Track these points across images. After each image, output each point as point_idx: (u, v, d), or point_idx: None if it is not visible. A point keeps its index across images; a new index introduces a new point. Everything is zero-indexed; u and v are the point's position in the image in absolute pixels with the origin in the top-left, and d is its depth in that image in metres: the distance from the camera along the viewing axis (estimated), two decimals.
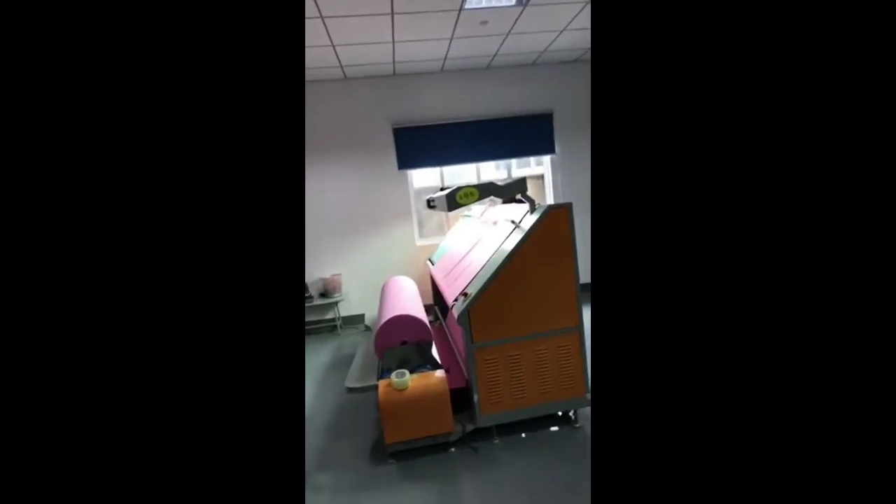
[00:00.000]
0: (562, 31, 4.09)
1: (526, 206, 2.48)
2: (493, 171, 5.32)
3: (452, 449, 2.31)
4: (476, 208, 4.01)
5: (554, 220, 2.25)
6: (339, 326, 4.88)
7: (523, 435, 2.36)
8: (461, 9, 3.40)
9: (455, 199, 2.31)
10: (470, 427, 2.30)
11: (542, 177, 5.34)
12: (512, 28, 3.88)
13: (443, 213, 4.99)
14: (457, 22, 3.63)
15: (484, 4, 3.39)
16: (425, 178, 5.13)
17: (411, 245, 5.02)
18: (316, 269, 4.83)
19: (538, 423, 2.42)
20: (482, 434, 2.35)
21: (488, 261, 2.41)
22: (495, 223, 2.98)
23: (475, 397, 2.26)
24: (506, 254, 2.25)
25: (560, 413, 2.47)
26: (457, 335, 2.87)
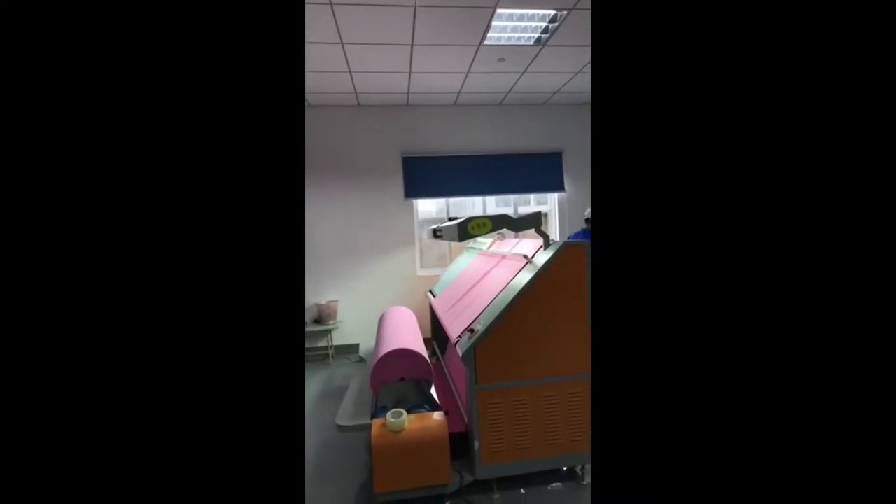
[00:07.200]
0: (577, 74, 4.14)
1: (538, 241, 2.38)
2: (496, 205, 5.27)
3: (447, 502, 2.10)
4: (483, 241, 3.92)
5: (569, 258, 2.14)
6: (330, 356, 4.67)
7: (522, 491, 2.16)
8: (480, 44, 3.44)
9: (467, 229, 2.20)
10: (468, 478, 2.10)
11: (545, 215, 5.29)
12: (528, 67, 3.92)
13: (445, 244, 4.89)
14: (474, 57, 3.66)
15: (503, 42, 3.42)
16: (428, 208, 5.07)
17: (412, 275, 4.89)
18: (312, 295, 4.66)
19: (541, 478, 2.22)
20: (479, 486, 2.15)
21: (497, 296, 2.29)
22: (504, 257, 2.87)
23: (475, 444, 2.07)
24: (517, 290, 2.13)
25: (565, 468, 2.27)
26: (457, 374, 2.70)
